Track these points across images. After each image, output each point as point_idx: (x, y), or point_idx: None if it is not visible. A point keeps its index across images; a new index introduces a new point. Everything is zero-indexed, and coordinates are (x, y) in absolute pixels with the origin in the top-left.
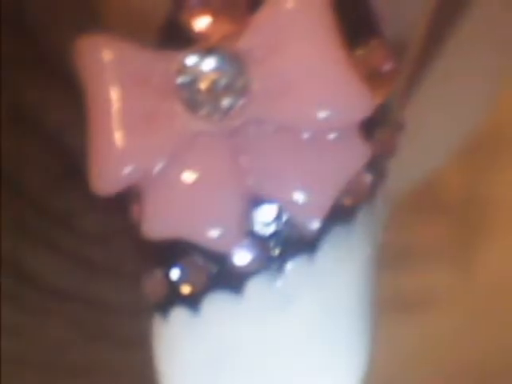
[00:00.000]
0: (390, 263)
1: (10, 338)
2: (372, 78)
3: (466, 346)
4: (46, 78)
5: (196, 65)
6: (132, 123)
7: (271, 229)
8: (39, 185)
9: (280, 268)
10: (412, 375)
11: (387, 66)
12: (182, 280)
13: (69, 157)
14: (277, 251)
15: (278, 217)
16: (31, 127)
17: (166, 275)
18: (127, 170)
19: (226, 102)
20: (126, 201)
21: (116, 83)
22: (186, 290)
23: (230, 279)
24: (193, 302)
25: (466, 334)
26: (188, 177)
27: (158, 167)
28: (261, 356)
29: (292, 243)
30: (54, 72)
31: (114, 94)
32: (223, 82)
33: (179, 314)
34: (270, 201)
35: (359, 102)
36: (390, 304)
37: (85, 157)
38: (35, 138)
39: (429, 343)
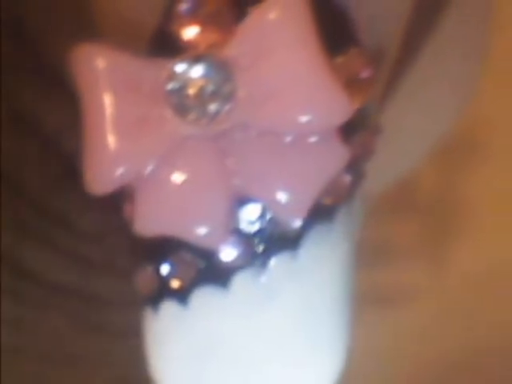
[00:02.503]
0: (366, 260)
1: (10, 330)
2: (351, 84)
3: (439, 340)
4: (44, 82)
5: (185, 72)
6: (124, 127)
7: (256, 227)
8: (38, 185)
9: (264, 264)
10: (387, 368)
11: (365, 73)
12: (171, 275)
13: (66, 158)
14: (261, 248)
15: (262, 215)
16: (30, 130)
17: (157, 271)
18: (120, 171)
19: (213, 107)
20: (119, 200)
21: (109, 89)
22: (175, 284)
23: (216, 274)
24: (182, 295)
25: (439, 328)
26: (177, 178)
27: (149, 169)
28: (246, 348)
29: (275, 240)
30: (51, 77)
31: (107, 100)
32: (210, 88)
33: (169, 308)
34: (254, 200)
35: (339, 107)
36: (366, 299)
37: (81, 158)
38: (34, 140)
39: (403, 337)
